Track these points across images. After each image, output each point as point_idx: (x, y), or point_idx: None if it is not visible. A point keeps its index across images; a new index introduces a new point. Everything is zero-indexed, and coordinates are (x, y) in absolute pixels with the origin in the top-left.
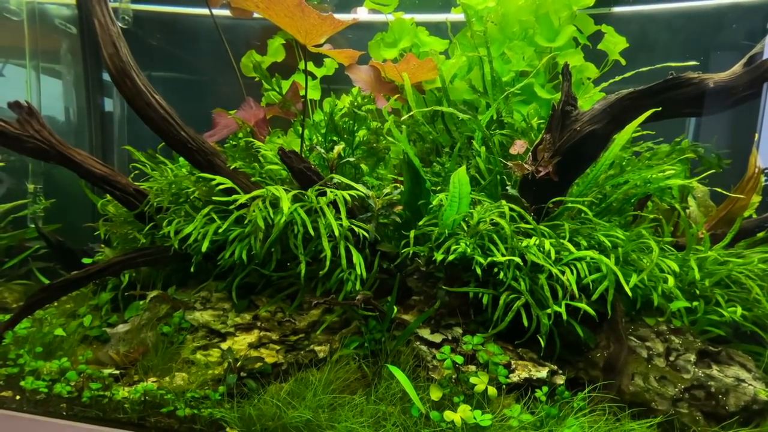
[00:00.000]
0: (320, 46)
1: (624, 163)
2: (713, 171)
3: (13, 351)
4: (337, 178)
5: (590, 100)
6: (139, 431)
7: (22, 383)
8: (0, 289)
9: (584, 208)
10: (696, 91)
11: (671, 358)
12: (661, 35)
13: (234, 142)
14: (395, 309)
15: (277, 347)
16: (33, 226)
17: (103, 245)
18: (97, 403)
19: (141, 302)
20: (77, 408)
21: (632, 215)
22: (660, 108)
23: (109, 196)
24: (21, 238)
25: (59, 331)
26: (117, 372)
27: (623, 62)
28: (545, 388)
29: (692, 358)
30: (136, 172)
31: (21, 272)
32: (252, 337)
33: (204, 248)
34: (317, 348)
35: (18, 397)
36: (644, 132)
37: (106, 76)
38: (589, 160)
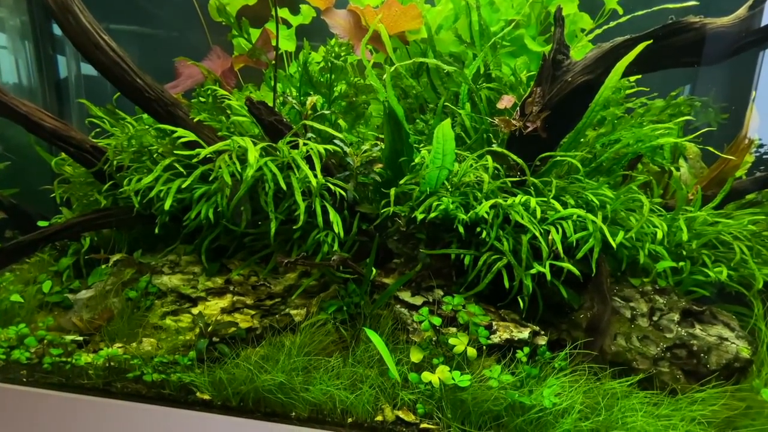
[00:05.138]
0: None
1: (616, 121)
2: (707, 129)
3: None
4: (312, 125)
5: (583, 52)
6: (105, 397)
7: None
8: None
9: (575, 162)
10: (697, 37)
11: (654, 318)
12: None
13: (203, 99)
14: (374, 272)
15: (252, 312)
16: None
17: (63, 208)
18: (60, 370)
19: (104, 266)
20: (38, 374)
21: (622, 176)
22: (657, 54)
23: (64, 155)
24: None
25: (16, 297)
26: (81, 339)
27: (620, 11)
28: (526, 349)
29: (676, 317)
30: (98, 130)
31: None
32: (224, 301)
33: (167, 206)
34: (293, 312)
35: None
36: (638, 88)
37: (57, 30)
38: (580, 114)
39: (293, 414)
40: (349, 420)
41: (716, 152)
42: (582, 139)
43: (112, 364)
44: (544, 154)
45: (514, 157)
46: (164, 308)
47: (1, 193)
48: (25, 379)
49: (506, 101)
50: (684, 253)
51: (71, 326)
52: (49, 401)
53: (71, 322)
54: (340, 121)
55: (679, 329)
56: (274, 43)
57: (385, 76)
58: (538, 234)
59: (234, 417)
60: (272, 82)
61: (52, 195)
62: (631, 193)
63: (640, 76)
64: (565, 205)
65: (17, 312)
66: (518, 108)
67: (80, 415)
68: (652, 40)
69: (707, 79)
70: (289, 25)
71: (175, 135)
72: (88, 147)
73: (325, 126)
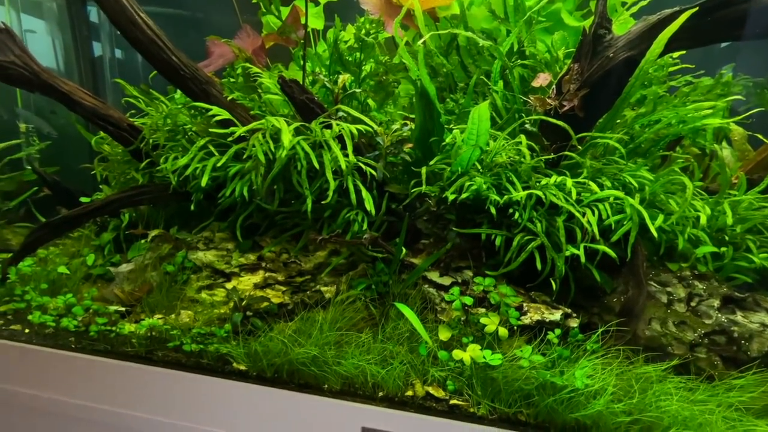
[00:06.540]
0: None
1: (657, 100)
2: (756, 111)
3: (18, 288)
4: (344, 109)
5: (623, 28)
6: (147, 364)
7: (29, 317)
8: (4, 231)
9: (615, 144)
10: (752, 8)
11: (693, 304)
12: None
13: (233, 78)
14: (404, 251)
15: (283, 288)
16: (29, 167)
17: (103, 185)
18: (105, 338)
19: (143, 241)
20: (85, 341)
21: (660, 157)
22: (709, 29)
23: (102, 133)
24: (19, 180)
25: (62, 269)
26: (123, 309)
27: None
28: (558, 331)
29: (716, 303)
30: (133, 111)
31: (22, 214)
32: (257, 277)
33: (203, 183)
34: (323, 289)
35: (27, 331)
36: (682, 65)
37: (92, 17)
38: (620, 92)
39: (326, 386)
40: (380, 394)
41: (762, 138)
42: (619, 120)
43: (153, 333)
44: (580, 134)
45: (545, 141)
46: (200, 282)
47: (45, 171)
48: (73, 346)
49: (542, 79)
50: (726, 238)
51: (114, 297)
52: (96, 366)
53: (114, 294)
54: (370, 101)
55: (719, 315)
56: (303, 21)
57: (417, 51)
58: (577, 213)
59: (269, 387)
60: (301, 61)
61: (93, 172)
62: (673, 174)
63: (684, 52)
64: (601, 186)
65: (65, 283)
66: (554, 86)
67: (125, 380)
68: (702, 12)
69: (751, 55)
70: (317, 3)
71: (210, 113)
72: (126, 126)
73: (356, 104)
